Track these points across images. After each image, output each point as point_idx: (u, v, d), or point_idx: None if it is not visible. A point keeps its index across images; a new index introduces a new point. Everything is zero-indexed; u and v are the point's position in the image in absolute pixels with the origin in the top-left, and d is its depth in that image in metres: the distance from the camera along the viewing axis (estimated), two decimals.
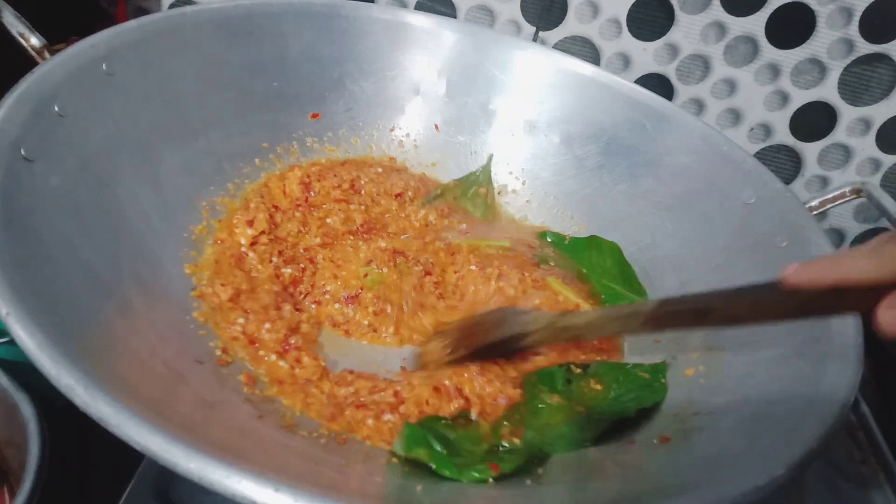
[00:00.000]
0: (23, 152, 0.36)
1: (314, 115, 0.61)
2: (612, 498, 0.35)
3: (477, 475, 0.35)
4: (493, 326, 0.46)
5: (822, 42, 0.67)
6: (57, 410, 0.38)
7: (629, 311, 0.41)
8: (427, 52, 0.65)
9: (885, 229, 0.78)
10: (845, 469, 0.53)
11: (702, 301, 0.37)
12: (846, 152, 0.74)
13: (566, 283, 0.55)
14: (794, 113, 0.72)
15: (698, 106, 0.73)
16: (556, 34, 0.69)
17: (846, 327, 0.42)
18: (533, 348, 0.46)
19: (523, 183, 0.66)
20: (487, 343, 0.45)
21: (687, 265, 0.55)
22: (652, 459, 0.39)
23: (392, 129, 0.65)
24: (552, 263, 0.58)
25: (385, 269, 0.51)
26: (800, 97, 0.71)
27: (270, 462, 0.31)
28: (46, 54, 0.45)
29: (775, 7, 0.66)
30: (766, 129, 0.74)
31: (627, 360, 0.51)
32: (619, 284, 0.57)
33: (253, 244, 0.49)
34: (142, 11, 0.70)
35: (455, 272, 0.53)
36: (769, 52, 0.68)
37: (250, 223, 0.49)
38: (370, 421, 0.39)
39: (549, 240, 0.62)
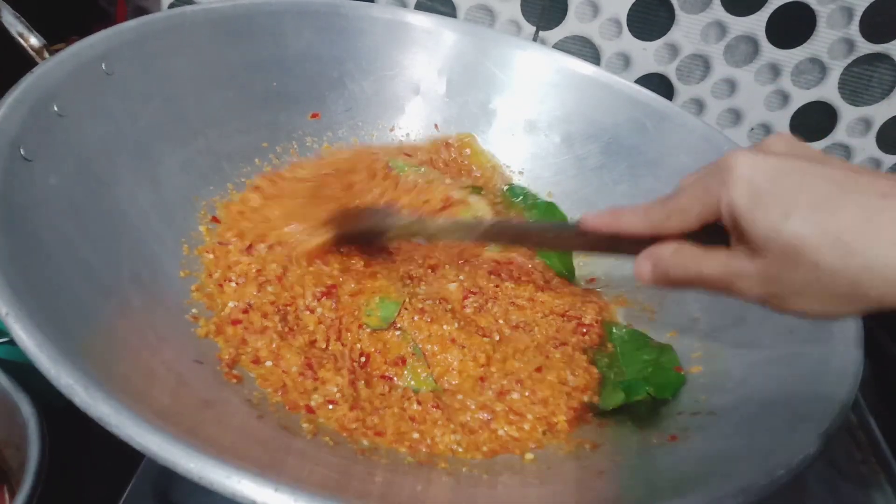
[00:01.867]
0: (22, 152, 0.36)
1: (314, 115, 0.61)
2: (612, 498, 0.35)
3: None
4: (362, 217, 0.52)
5: (822, 42, 0.67)
6: (57, 410, 0.38)
7: (471, 224, 0.50)
8: (427, 51, 0.65)
9: None
10: (845, 469, 0.53)
11: (522, 228, 0.49)
12: (846, 152, 0.74)
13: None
14: (795, 113, 0.72)
15: (699, 106, 0.73)
16: (556, 34, 0.69)
17: (847, 328, 0.42)
18: (389, 241, 0.53)
19: (523, 183, 0.66)
20: (353, 230, 0.50)
21: None
22: (652, 459, 0.39)
23: (392, 129, 0.65)
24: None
25: None
26: (800, 97, 0.71)
27: (270, 462, 0.31)
28: (46, 54, 0.45)
29: (776, 7, 0.66)
30: (767, 129, 0.74)
31: None
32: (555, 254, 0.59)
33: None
34: (141, 11, 0.70)
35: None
36: (769, 51, 0.68)
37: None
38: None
39: (518, 196, 0.65)
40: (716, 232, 0.31)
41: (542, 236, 0.45)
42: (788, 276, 0.28)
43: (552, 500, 0.36)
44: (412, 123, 0.66)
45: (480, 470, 0.38)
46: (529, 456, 0.41)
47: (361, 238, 0.51)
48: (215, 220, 0.49)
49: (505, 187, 0.65)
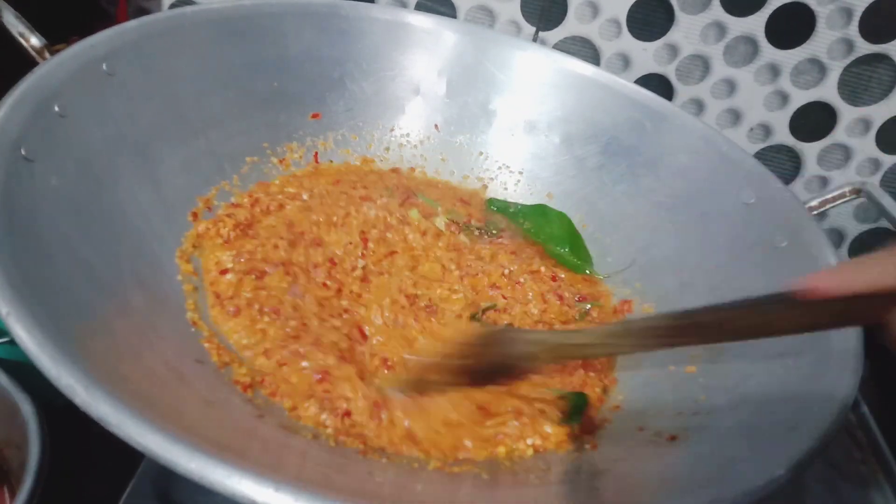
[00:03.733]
0: (23, 152, 0.36)
1: (314, 116, 0.61)
2: (612, 498, 0.35)
3: None
4: (494, 346, 0.43)
5: (821, 42, 0.67)
6: (57, 410, 0.38)
7: (640, 327, 0.38)
8: (427, 52, 0.65)
9: (885, 230, 0.78)
10: (845, 469, 0.53)
11: (711, 315, 0.35)
12: (846, 152, 0.74)
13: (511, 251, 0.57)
14: (794, 113, 0.72)
15: (698, 106, 0.73)
16: (555, 34, 0.69)
17: (846, 329, 0.42)
18: (536, 371, 0.44)
19: (522, 183, 0.66)
20: (485, 366, 0.42)
21: (686, 265, 0.55)
22: (651, 460, 0.39)
23: (392, 129, 0.65)
24: (496, 229, 0.61)
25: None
26: (799, 97, 0.71)
27: (271, 462, 0.31)
28: (47, 54, 0.45)
29: (775, 7, 0.66)
30: (766, 129, 0.74)
31: None
32: (568, 250, 0.59)
33: None
34: (142, 11, 0.70)
35: None
36: (769, 52, 0.68)
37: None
38: None
39: (493, 208, 0.64)
40: None
41: (740, 323, 0.34)
42: None
43: (551, 501, 0.36)
44: (412, 124, 0.66)
45: (480, 469, 0.38)
46: (529, 453, 0.41)
47: (484, 377, 0.42)
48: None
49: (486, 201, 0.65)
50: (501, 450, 0.40)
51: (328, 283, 0.48)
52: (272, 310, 0.44)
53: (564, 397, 0.45)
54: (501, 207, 0.64)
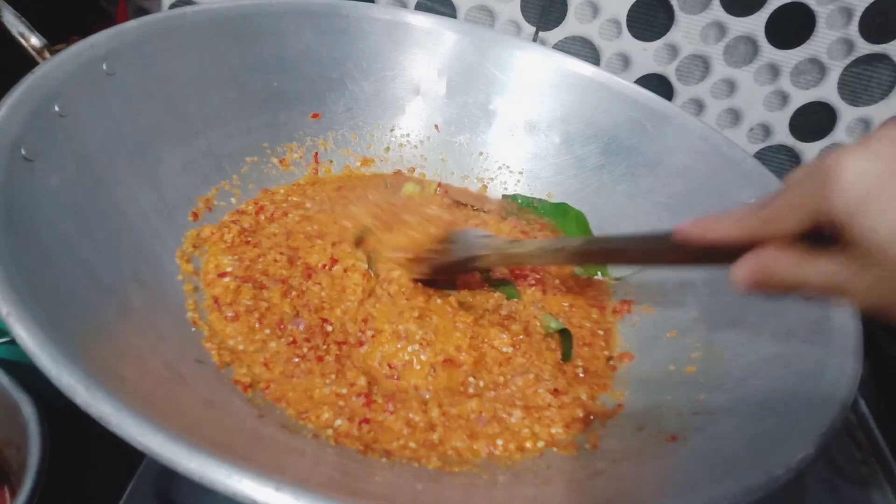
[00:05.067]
0: (23, 152, 0.36)
1: (314, 116, 0.61)
2: (612, 498, 0.35)
3: None
4: (451, 245, 0.51)
5: (821, 42, 0.67)
6: (57, 410, 0.38)
7: (559, 246, 0.49)
8: (427, 52, 0.65)
9: None
10: (845, 469, 0.53)
11: (614, 243, 0.47)
12: None
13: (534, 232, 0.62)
14: (794, 113, 0.72)
15: (698, 106, 0.73)
16: (556, 34, 0.69)
17: (846, 327, 0.42)
18: (482, 269, 0.53)
19: (523, 183, 0.66)
20: (445, 263, 0.50)
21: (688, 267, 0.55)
22: (651, 460, 0.39)
23: (392, 130, 0.65)
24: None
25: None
26: (799, 97, 0.71)
27: (271, 461, 0.31)
28: (46, 54, 0.45)
29: (775, 7, 0.66)
30: (766, 130, 0.74)
31: None
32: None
33: None
34: (142, 11, 0.70)
35: None
36: (769, 52, 0.68)
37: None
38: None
39: (518, 202, 0.65)
40: (817, 237, 0.29)
41: (632, 253, 0.44)
42: None
43: (551, 500, 0.36)
44: (412, 124, 0.66)
45: (480, 469, 0.38)
46: (529, 446, 0.41)
47: (445, 270, 0.51)
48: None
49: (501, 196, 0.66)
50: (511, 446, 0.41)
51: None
52: (276, 324, 0.44)
53: (554, 333, 0.51)
54: (525, 203, 0.65)
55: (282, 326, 0.44)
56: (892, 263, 0.26)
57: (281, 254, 0.49)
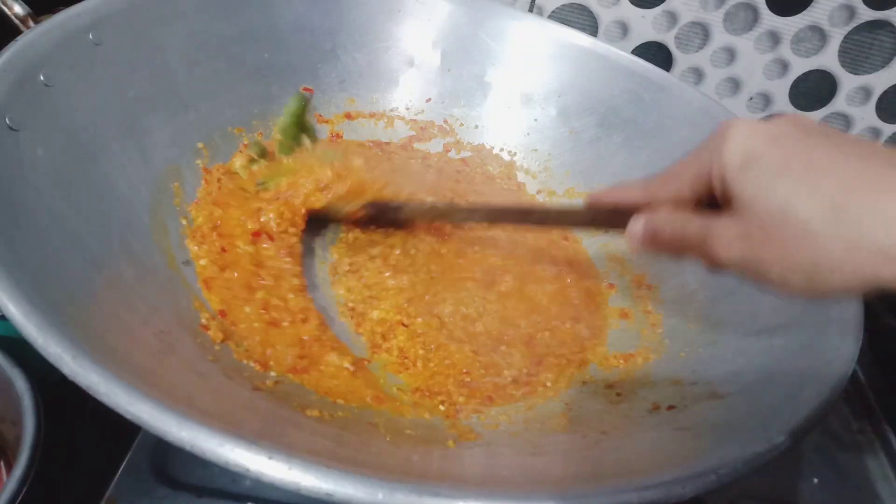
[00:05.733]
0: (7, 122, 0.35)
1: (306, 89, 0.60)
2: (610, 467, 0.35)
3: None
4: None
5: (822, 9, 0.66)
6: (51, 386, 0.38)
7: (473, 208, 0.53)
8: (421, 22, 0.64)
9: None
10: (842, 438, 0.53)
11: (528, 207, 0.54)
12: (846, 121, 0.74)
13: None
14: (794, 81, 0.71)
15: (697, 75, 0.72)
16: (552, 2, 0.68)
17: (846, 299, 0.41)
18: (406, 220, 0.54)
19: (519, 156, 0.65)
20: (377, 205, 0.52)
21: None
22: (650, 429, 0.39)
23: (386, 102, 0.64)
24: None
25: None
26: (800, 65, 0.70)
27: (265, 431, 0.30)
28: (31, 23, 0.44)
29: None
30: (766, 98, 0.73)
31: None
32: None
33: None
34: None
35: None
36: (769, 19, 0.67)
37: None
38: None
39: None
40: (711, 205, 0.32)
41: (545, 215, 0.47)
42: (770, 241, 0.27)
43: (547, 470, 0.35)
44: (407, 97, 0.65)
45: (473, 438, 0.38)
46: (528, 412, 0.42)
47: (381, 213, 0.53)
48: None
49: None
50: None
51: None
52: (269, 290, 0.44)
53: None
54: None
55: (252, 289, 0.44)
56: (761, 215, 0.27)
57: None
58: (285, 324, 0.43)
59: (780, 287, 0.28)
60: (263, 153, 0.53)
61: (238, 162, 0.51)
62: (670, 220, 0.33)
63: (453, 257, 0.53)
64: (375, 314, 0.47)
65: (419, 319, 0.47)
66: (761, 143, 0.28)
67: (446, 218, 0.53)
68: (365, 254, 0.51)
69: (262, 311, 0.43)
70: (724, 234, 0.29)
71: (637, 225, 0.34)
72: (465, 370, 0.44)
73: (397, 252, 0.52)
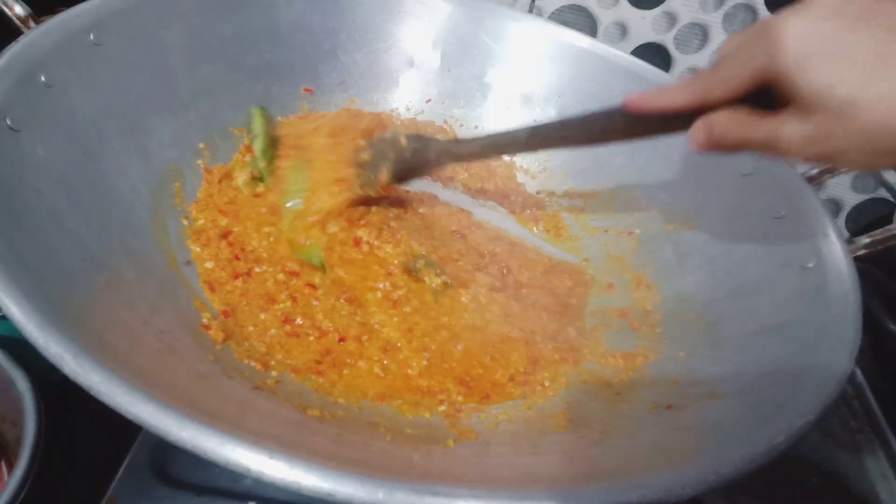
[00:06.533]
0: (8, 122, 0.35)
1: (307, 90, 0.60)
2: (609, 467, 0.35)
3: None
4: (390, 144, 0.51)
5: None
6: (52, 386, 0.38)
7: (509, 138, 0.48)
8: (421, 23, 0.64)
9: (882, 199, 0.78)
10: (840, 437, 0.53)
11: (564, 127, 0.45)
12: None
13: None
14: None
15: None
16: (552, 3, 0.68)
17: (846, 297, 0.41)
18: (435, 167, 0.53)
19: (518, 156, 0.65)
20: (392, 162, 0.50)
21: (684, 238, 0.55)
22: (650, 429, 0.39)
23: (386, 103, 0.64)
24: None
25: None
26: None
27: (265, 431, 0.30)
28: (31, 23, 0.44)
29: None
30: None
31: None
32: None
33: None
34: None
35: None
36: None
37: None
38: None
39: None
40: (763, 98, 0.32)
41: (588, 132, 0.43)
42: (840, 134, 0.29)
43: (545, 470, 0.36)
44: (407, 97, 0.65)
45: (473, 437, 0.39)
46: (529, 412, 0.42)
47: (399, 171, 0.51)
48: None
49: None
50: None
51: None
52: (265, 295, 0.44)
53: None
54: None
55: (273, 300, 0.44)
56: (826, 113, 0.29)
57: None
58: (311, 338, 0.43)
59: (850, 167, 0.32)
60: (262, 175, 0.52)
61: (241, 178, 0.51)
62: (735, 123, 0.33)
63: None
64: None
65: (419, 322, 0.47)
66: (817, 41, 0.28)
67: (480, 155, 0.50)
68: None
69: (284, 323, 0.43)
70: (795, 134, 0.30)
71: (701, 131, 0.34)
72: (463, 369, 0.44)
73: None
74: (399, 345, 0.44)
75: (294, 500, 0.36)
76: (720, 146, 0.34)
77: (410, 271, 0.48)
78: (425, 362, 0.43)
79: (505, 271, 0.53)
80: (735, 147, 0.34)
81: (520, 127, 0.47)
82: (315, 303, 0.45)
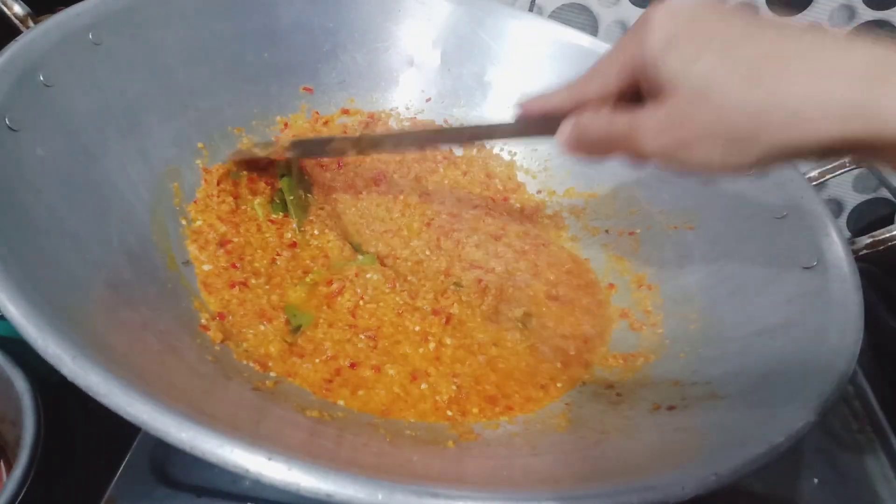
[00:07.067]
0: (7, 122, 0.35)
1: (306, 89, 0.60)
2: (607, 468, 0.35)
3: None
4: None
5: (822, 9, 0.66)
6: (51, 386, 0.38)
7: (405, 134, 0.55)
8: (421, 22, 0.64)
9: (884, 199, 0.78)
10: (842, 437, 0.53)
11: (458, 128, 0.53)
12: None
13: None
14: None
15: None
16: (552, 1, 0.68)
17: (846, 297, 0.41)
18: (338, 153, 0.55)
19: (519, 156, 0.65)
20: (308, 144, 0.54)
21: (684, 237, 0.55)
22: (651, 429, 0.39)
23: (386, 103, 0.64)
24: None
25: None
26: None
27: (265, 432, 0.30)
28: (30, 23, 0.44)
29: None
30: None
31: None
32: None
33: None
34: None
35: None
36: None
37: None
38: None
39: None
40: (635, 97, 0.31)
41: (476, 131, 0.47)
42: (692, 119, 0.28)
43: (545, 470, 0.35)
44: (407, 96, 0.65)
45: (473, 438, 0.38)
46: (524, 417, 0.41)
47: (312, 150, 0.54)
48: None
49: None
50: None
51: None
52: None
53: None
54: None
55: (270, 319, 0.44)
56: (681, 94, 0.28)
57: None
58: (316, 360, 0.42)
59: (703, 167, 0.29)
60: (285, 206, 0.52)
61: (258, 199, 0.51)
62: (595, 119, 0.32)
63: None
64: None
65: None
66: (682, 24, 0.28)
67: (375, 148, 0.52)
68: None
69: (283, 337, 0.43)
70: (647, 123, 0.29)
71: (563, 130, 0.34)
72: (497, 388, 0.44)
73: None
74: (428, 371, 0.43)
75: (293, 502, 0.36)
76: (584, 143, 0.33)
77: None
78: (454, 388, 0.42)
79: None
80: (598, 144, 0.33)
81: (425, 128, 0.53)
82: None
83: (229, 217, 0.48)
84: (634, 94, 0.31)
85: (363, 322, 0.45)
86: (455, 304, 0.47)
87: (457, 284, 0.50)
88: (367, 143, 0.51)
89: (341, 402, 0.39)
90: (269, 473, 0.25)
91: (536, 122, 0.37)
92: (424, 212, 0.57)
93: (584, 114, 0.33)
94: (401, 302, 0.46)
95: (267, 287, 0.45)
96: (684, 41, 0.28)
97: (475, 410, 0.41)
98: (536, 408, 0.43)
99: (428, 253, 0.53)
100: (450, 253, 0.54)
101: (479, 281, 0.51)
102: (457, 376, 0.43)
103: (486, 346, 0.45)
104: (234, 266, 0.45)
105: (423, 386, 0.42)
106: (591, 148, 0.33)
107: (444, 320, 0.46)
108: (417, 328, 0.45)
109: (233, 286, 0.44)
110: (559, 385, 0.45)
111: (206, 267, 0.44)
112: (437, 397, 0.41)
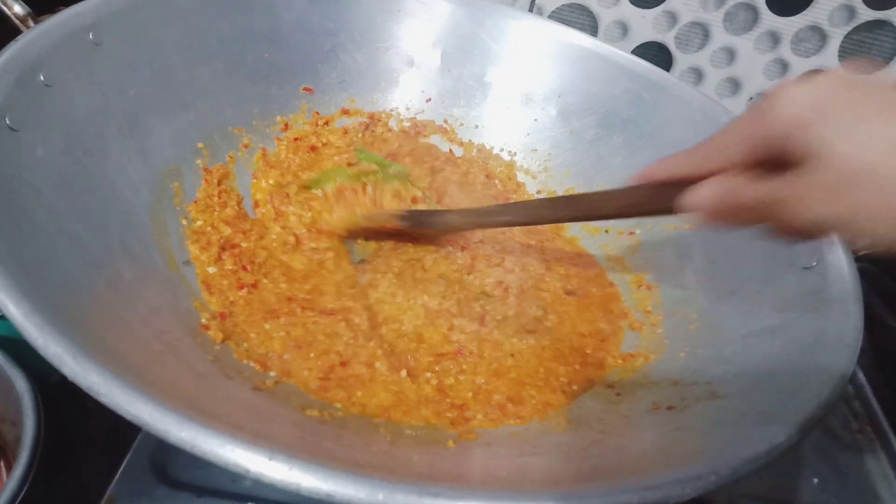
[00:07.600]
0: (7, 122, 0.35)
1: (306, 89, 0.60)
2: (607, 468, 0.35)
3: None
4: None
5: (822, 9, 0.66)
6: (52, 386, 0.38)
7: (497, 209, 0.50)
8: (421, 22, 0.64)
9: None
10: (842, 437, 0.53)
11: (586, 201, 0.43)
12: None
13: None
14: None
15: (697, 75, 0.72)
16: (552, 2, 0.68)
17: (846, 297, 0.41)
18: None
19: (519, 156, 0.65)
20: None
21: (684, 237, 0.55)
22: (651, 429, 0.39)
23: (386, 103, 0.64)
24: None
25: None
26: (800, 65, 0.70)
27: (265, 432, 0.30)
28: (31, 23, 0.44)
29: None
30: None
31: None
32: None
33: None
34: None
35: None
36: (769, 19, 0.67)
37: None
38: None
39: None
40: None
41: (606, 206, 0.40)
42: (857, 190, 0.26)
43: (545, 469, 0.35)
44: (407, 97, 0.65)
45: (473, 438, 0.38)
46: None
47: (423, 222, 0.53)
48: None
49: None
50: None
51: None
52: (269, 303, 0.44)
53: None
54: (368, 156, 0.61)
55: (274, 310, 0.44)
56: (838, 168, 0.26)
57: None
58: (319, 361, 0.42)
59: (868, 237, 0.27)
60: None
61: (275, 230, 0.51)
62: (742, 184, 0.30)
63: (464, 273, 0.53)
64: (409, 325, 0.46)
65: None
66: (823, 96, 0.27)
67: (481, 224, 0.51)
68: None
69: (284, 333, 0.43)
70: (803, 193, 0.28)
71: (703, 193, 0.31)
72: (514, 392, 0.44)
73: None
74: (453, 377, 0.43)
75: (293, 502, 0.36)
76: (729, 209, 0.31)
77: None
78: (470, 394, 0.42)
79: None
80: (740, 212, 0.30)
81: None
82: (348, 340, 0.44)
83: (235, 223, 0.48)
84: (763, 167, 0.30)
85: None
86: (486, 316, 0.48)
87: (484, 294, 0.51)
88: (479, 220, 0.50)
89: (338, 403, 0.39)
90: (269, 473, 0.25)
91: (654, 192, 0.35)
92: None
93: (720, 177, 0.31)
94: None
95: (281, 286, 0.46)
96: (833, 112, 0.27)
97: (491, 415, 0.42)
98: (553, 412, 0.43)
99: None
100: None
101: (500, 283, 0.51)
102: (479, 381, 0.43)
103: (505, 356, 0.46)
104: (244, 268, 0.45)
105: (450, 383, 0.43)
106: (736, 214, 0.31)
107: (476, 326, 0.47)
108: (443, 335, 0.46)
109: (241, 288, 0.44)
110: (575, 387, 0.45)
111: (210, 269, 0.44)
112: (452, 401, 0.41)
